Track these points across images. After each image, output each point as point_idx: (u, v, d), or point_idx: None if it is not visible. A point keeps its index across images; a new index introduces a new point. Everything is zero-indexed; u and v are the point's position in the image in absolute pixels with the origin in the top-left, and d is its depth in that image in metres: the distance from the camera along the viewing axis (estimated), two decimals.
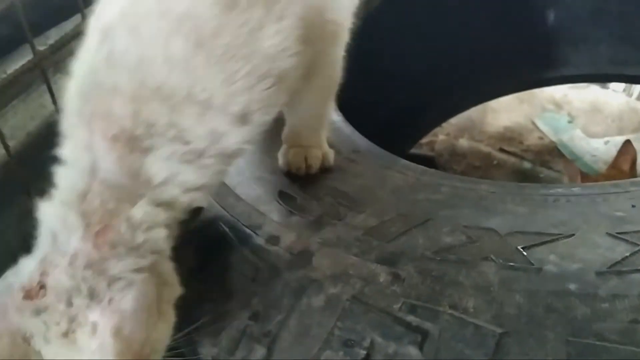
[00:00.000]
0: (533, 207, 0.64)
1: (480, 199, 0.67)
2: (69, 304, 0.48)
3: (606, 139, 1.79)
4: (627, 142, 1.58)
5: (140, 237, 0.52)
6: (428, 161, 1.76)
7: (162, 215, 0.55)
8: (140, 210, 0.53)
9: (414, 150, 1.78)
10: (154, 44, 0.55)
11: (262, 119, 0.58)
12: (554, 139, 1.86)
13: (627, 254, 0.51)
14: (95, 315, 0.48)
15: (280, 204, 0.73)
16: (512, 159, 1.80)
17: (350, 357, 0.52)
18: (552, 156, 1.81)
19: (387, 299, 0.55)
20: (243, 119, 0.57)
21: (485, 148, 1.84)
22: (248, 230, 0.69)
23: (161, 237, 0.55)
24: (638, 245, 0.52)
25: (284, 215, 0.71)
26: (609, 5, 1.60)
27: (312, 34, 0.62)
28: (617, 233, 0.55)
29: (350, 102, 1.06)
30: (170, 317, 0.54)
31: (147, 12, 0.56)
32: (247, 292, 0.62)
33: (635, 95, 1.98)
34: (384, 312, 0.54)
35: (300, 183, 0.78)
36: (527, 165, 1.77)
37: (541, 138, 1.88)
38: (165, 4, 0.56)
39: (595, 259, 0.52)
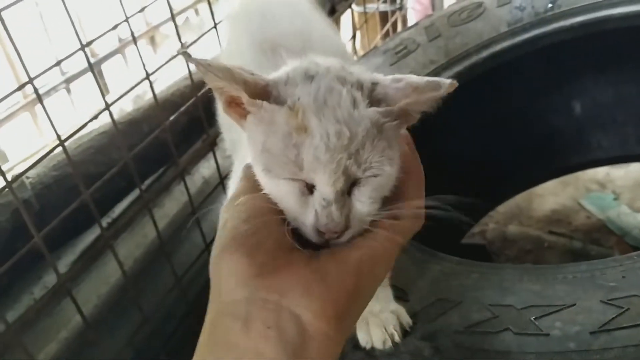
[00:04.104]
0: (545, 284, 0.78)
1: (502, 281, 0.82)
2: None
3: None
4: None
5: None
6: (480, 249, 1.88)
7: None
8: None
9: (466, 240, 1.91)
10: None
11: None
12: (601, 217, 1.94)
13: (614, 316, 0.65)
14: None
15: None
16: (562, 240, 1.89)
17: None
18: (601, 233, 1.89)
19: None
20: None
21: (534, 232, 1.95)
22: None
23: None
24: (623, 308, 0.66)
25: None
26: (628, 90, 1.75)
27: None
28: (608, 300, 0.68)
29: None
30: None
31: None
32: None
33: None
34: None
35: None
36: (577, 244, 1.85)
37: (589, 217, 1.97)
38: None
39: (590, 322, 0.66)
